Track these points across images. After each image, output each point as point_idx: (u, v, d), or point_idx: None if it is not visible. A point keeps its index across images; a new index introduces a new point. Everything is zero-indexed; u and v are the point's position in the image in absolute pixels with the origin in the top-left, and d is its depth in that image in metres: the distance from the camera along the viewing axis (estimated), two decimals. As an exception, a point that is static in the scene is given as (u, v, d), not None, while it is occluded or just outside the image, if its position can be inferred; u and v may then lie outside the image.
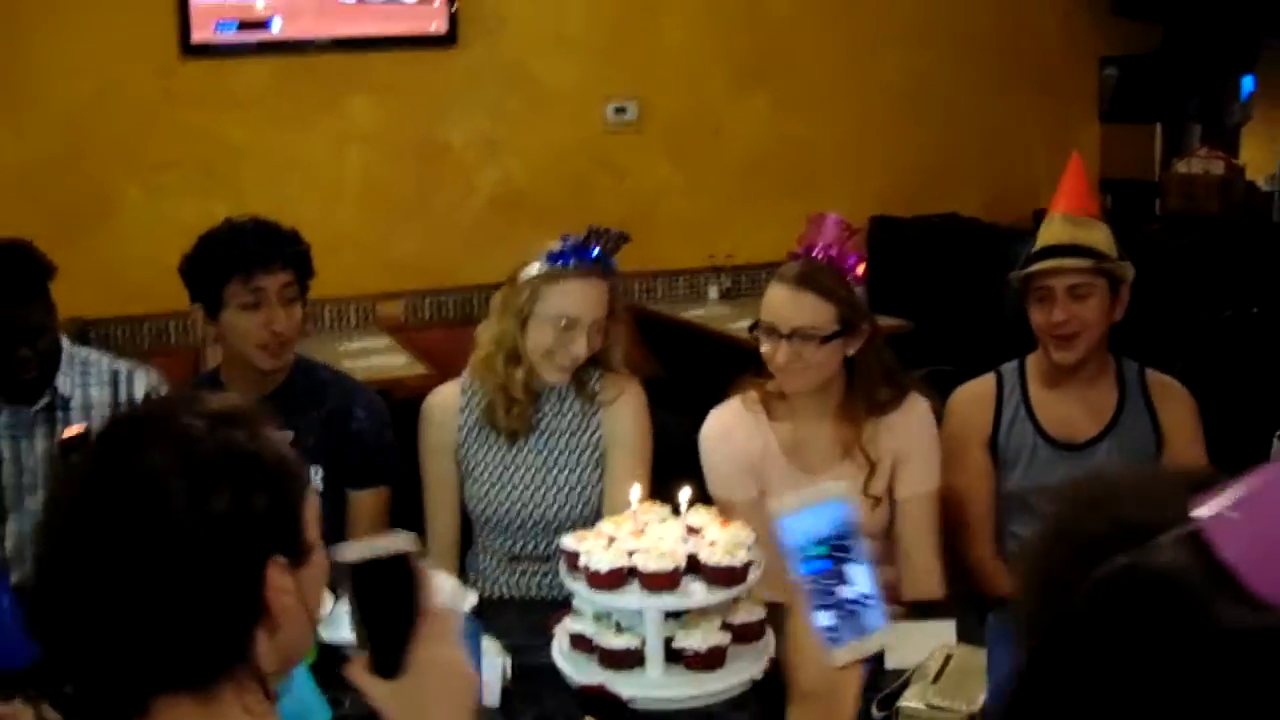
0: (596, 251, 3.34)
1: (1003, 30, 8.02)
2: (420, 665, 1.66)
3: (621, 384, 3.50)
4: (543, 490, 3.39)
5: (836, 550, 1.62)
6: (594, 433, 3.43)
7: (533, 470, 3.40)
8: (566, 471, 3.40)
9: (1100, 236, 3.41)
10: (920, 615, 2.89)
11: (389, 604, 1.67)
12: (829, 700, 1.66)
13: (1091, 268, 3.31)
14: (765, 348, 3.23)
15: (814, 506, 1.64)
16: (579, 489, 3.38)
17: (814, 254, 3.24)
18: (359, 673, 1.68)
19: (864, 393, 3.29)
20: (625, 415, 3.43)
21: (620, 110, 7.30)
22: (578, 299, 3.35)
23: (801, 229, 3.35)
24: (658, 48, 7.34)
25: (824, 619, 1.63)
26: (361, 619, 1.68)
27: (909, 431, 3.31)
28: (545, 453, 3.43)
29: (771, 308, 3.23)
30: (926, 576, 3.26)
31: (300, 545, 1.59)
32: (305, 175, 6.67)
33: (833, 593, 1.62)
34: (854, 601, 1.63)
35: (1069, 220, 3.39)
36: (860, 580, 1.66)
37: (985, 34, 7.96)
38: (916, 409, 3.34)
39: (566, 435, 3.43)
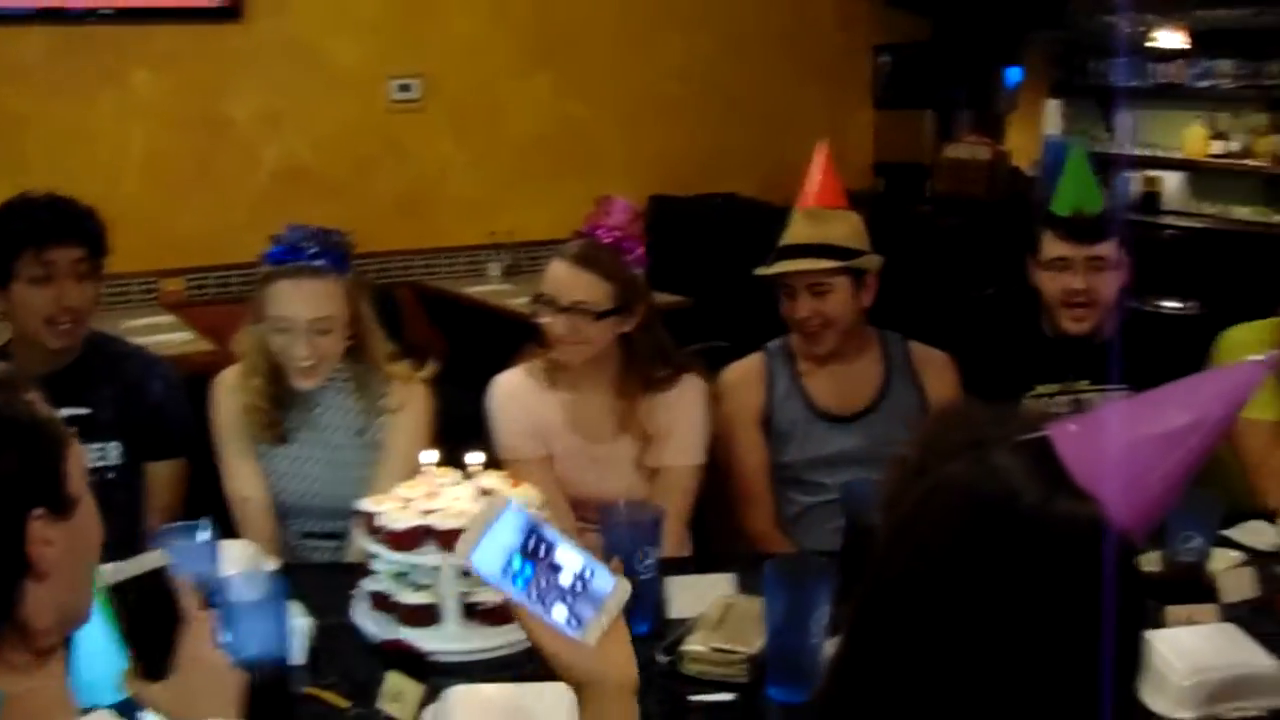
0: (315, 251, 3.22)
1: (780, 18, 8.24)
2: (184, 665, 1.77)
3: (406, 393, 3.42)
4: (325, 482, 3.35)
5: (534, 551, 1.64)
6: (377, 434, 3.38)
7: (317, 464, 3.35)
8: (349, 468, 3.34)
9: (843, 229, 3.50)
10: (697, 570, 2.97)
11: (148, 616, 1.78)
12: (611, 674, 1.68)
13: (829, 269, 3.42)
14: (544, 319, 3.30)
15: (490, 527, 1.64)
16: (365, 482, 3.28)
17: (598, 234, 3.31)
18: (132, 681, 1.78)
19: (639, 369, 3.36)
20: (407, 426, 3.36)
21: (404, 88, 7.31)
22: (290, 301, 3.23)
23: (583, 208, 3.41)
24: (443, 26, 7.37)
25: (559, 613, 1.64)
26: (126, 632, 1.77)
27: (678, 407, 3.40)
28: (329, 448, 3.37)
29: (552, 282, 3.29)
30: (672, 539, 3.31)
31: (63, 498, 1.60)
32: (87, 148, 6.53)
33: (555, 587, 1.64)
34: (576, 581, 1.65)
35: (811, 216, 3.49)
36: (569, 561, 1.66)
37: (763, 21, 8.17)
38: (690, 387, 3.42)
39: (350, 433, 3.37)
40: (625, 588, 1.68)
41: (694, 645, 2.54)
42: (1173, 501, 1.31)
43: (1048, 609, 1.26)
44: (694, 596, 2.77)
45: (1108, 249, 3.56)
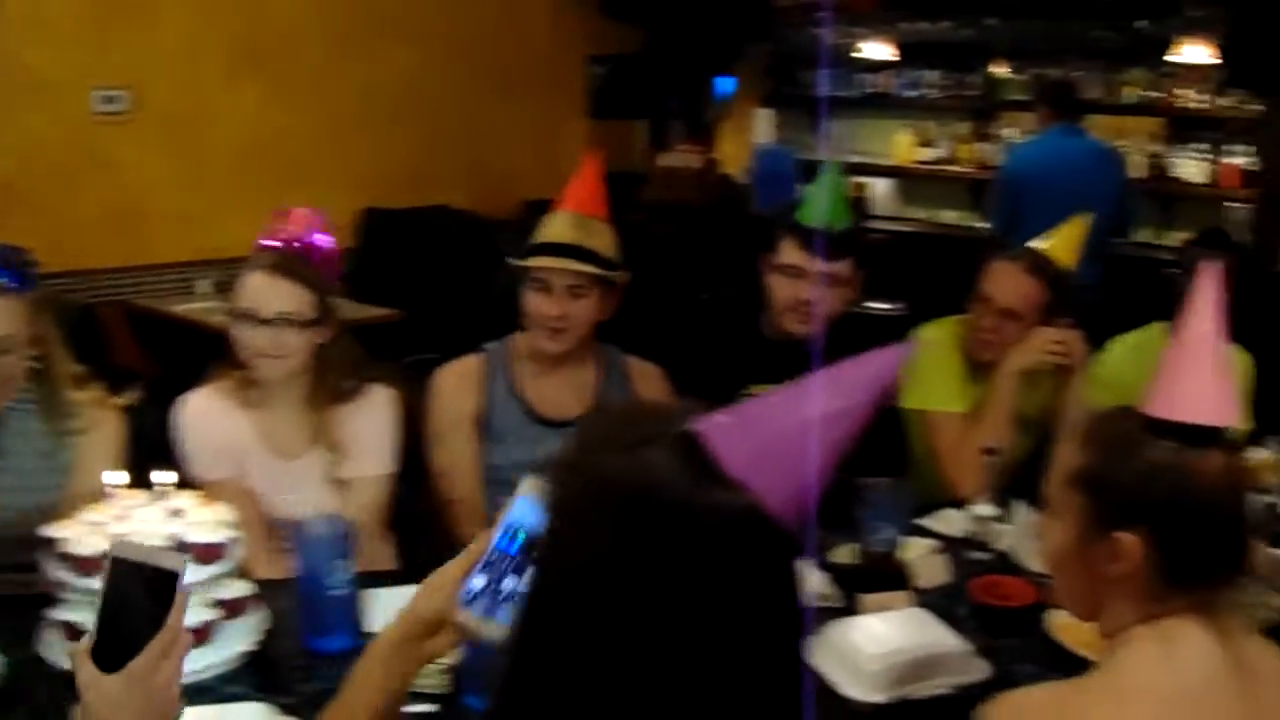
0: None
1: (493, 29, 8.24)
2: (135, 674, 1.67)
3: (95, 415, 3.26)
4: (13, 510, 3.21)
5: (529, 546, 1.63)
6: (66, 458, 3.23)
7: (3, 492, 3.22)
8: (37, 494, 3.21)
9: (606, 240, 3.50)
10: (399, 581, 2.93)
11: (137, 608, 1.69)
12: (427, 631, 1.75)
13: (592, 273, 3.43)
14: (244, 334, 3.22)
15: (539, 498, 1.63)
16: (55, 508, 3.14)
17: (286, 243, 3.26)
18: (81, 652, 1.69)
19: (330, 381, 3.32)
20: (97, 449, 3.22)
21: (109, 99, 7.09)
22: None
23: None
24: (150, 35, 7.16)
25: (478, 582, 1.67)
26: (106, 607, 1.70)
27: (365, 417, 3.36)
28: (16, 474, 3.23)
29: (251, 294, 3.21)
30: (372, 551, 3.27)
31: None
32: None
33: (502, 573, 1.65)
34: (510, 594, 1.65)
35: (576, 220, 3.46)
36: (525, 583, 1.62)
37: (476, 32, 8.16)
38: (377, 398, 3.39)
39: (37, 457, 3.23)
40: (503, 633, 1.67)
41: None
42: (823, 487, 1.32)
43: (704, 600, 1.27)
44: (395, 609, 2.72)
45: (844, 267, 3.65)
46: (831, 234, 3.60)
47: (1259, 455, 4.16)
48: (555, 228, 3.47)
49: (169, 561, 1.72)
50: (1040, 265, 3.82)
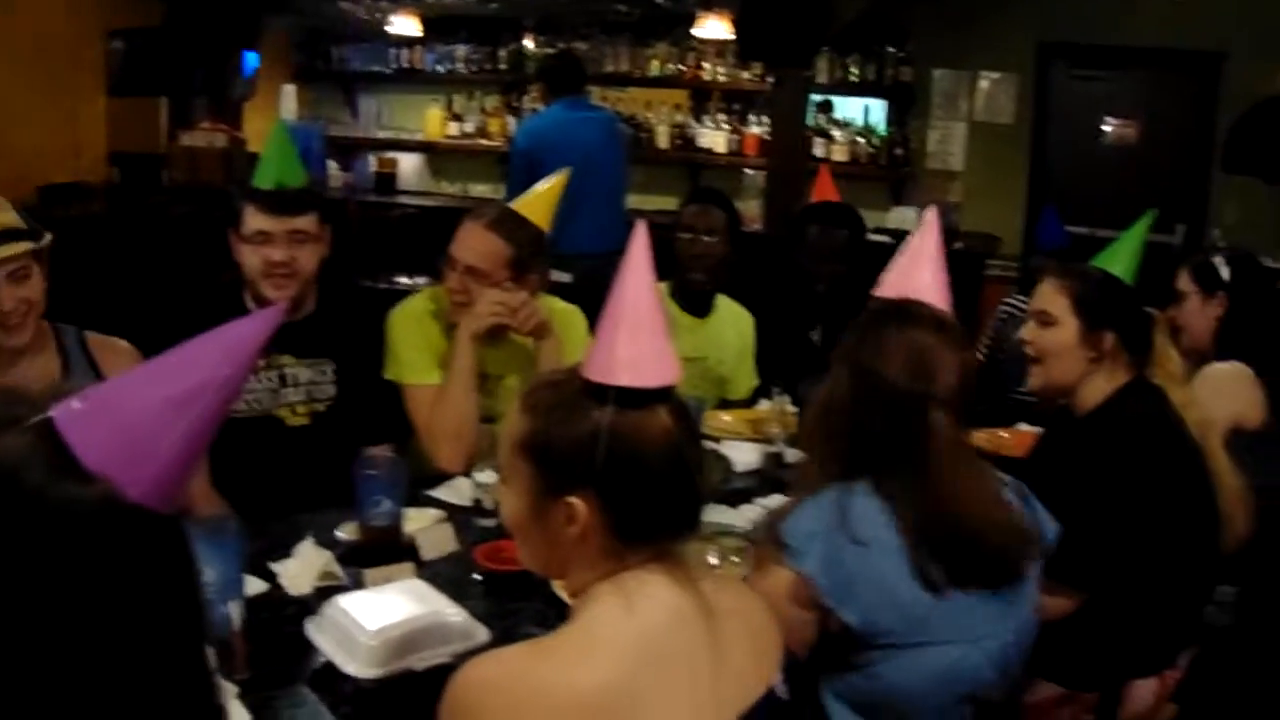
0: None
1: (2, 1, 7.78)
2: None
3: None
4: None
5: None
6: None
7: None
8: None
9: (9, 212, 3.13)
10: None
11: None
12: None
13: (28, 251, 3.20)
14: None
15: None
16: None
17: None
18: None
19: None
20: None
21: None
22: None
23: None
24: None
25: None
26: None
27: None
28: None
29: None
30: None
31: None
32: None
33: None
34: None
35: None
36: None
37: (-16, 4, 7.70)
38: None
39: None
40: None
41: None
42: (193, 466, 1.29)
43: (74, 597, 1.20)
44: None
45: (309, 222, 3.59)
46: (288, 193, 3.56)
47: (764, 407, 4.35)
48: None
49: None
50: (502, 222, 3.83)
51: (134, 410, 1.25)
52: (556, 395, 1.91)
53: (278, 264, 3.54)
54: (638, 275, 1.94)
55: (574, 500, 1.84)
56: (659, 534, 1.90)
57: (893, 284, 2.65)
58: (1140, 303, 3.27)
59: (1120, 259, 3.26)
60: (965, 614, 2.39)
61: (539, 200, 3.93)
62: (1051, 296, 3.25)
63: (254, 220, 3.55)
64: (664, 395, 1.89)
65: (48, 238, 3.18)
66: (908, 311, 2.52)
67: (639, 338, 1.89)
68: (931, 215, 2.75)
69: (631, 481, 1.85)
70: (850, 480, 2.44)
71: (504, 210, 3.88)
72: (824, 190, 5.36)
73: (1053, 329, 3.23)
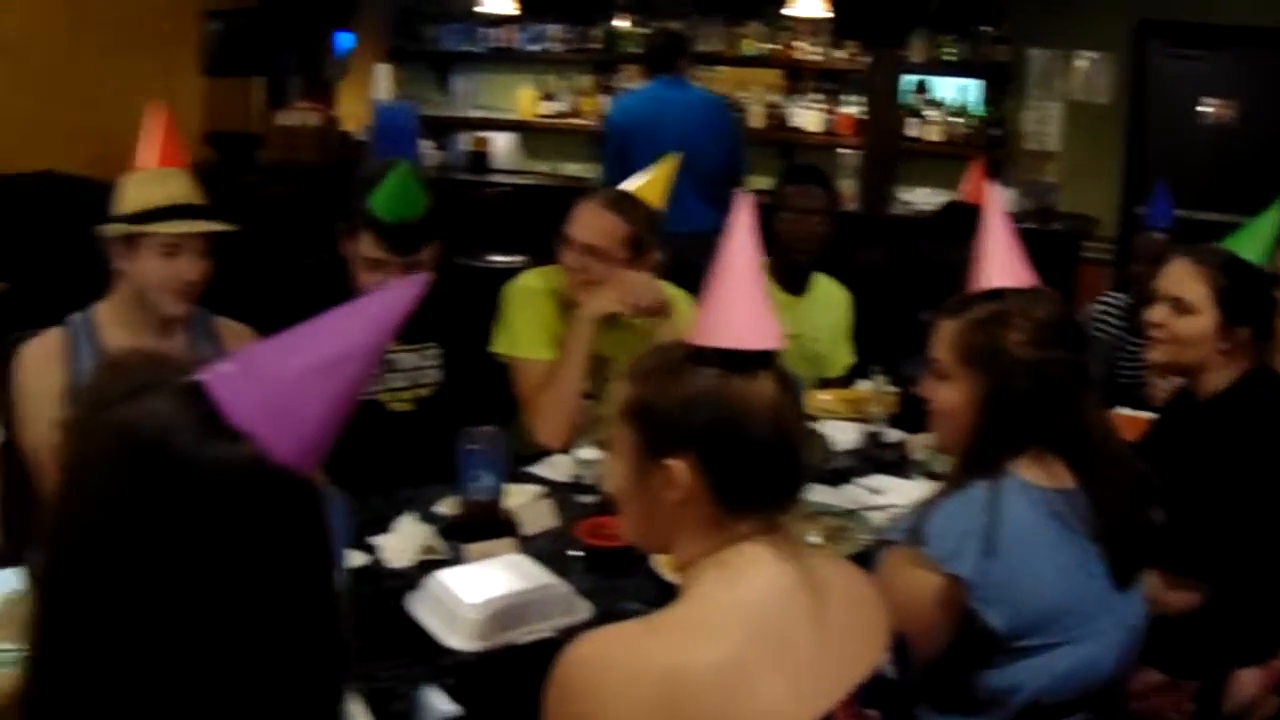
0: None
1: (102, -16, 7.87)
2: None
3: None
4: None
5: None
6: None
7: None
8: None
9: (200, 191, 3.34)
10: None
11: None
12: None
13: (220, 230, 3.25)
14: None
15: None
16: None
17: None
18: None
19: None
20: None
21: None
22: None
23: None
24: None
25: None
26: None
27: None
28: None
29: None
30: None
31: None
32: None
33: None
34: None
35: (169, 177, 3.28)
36: None
37: (84, -12, 7.79)
38: None
39: None
40: None
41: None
42: (334, 431, 1.31)
43: (221, 554, 1.23)
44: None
45: (426, 252, 3.58)
46: (408, 226, 3.53)
47: (864, 387, 4.32)
48: (164, 189, 3.29)
49: None
50: (619, 202, 3.86)
51: (281, 374, 1.28)
52: (660, 360, 1.93)
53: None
54: (742, 243, 1.94)
55: (674, 463, 1.84)
56: (760, 502, 1.89)
57: (997, 273, 2.57)
58: (1272, 292, 3.20)
59: (1254, 244, 3.16)
60: (1102, 610, 2.36)
61: (653, 182, 3.95)
62: (1189, 283, 3.14)
63: (371, 249, 3.54)
64: (766, 360, 1.89)
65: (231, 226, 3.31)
66: (1034, 295, 2.48)
67: (741, 302, 1.90)
68: (994, 194, 2.69)
69: (732, 445, 1.85)
70: (998, 476, 2.39)
71: (620, 192, 3.90)
72: (975, 190, 5.16)
73: (1189, 317, 3.13)
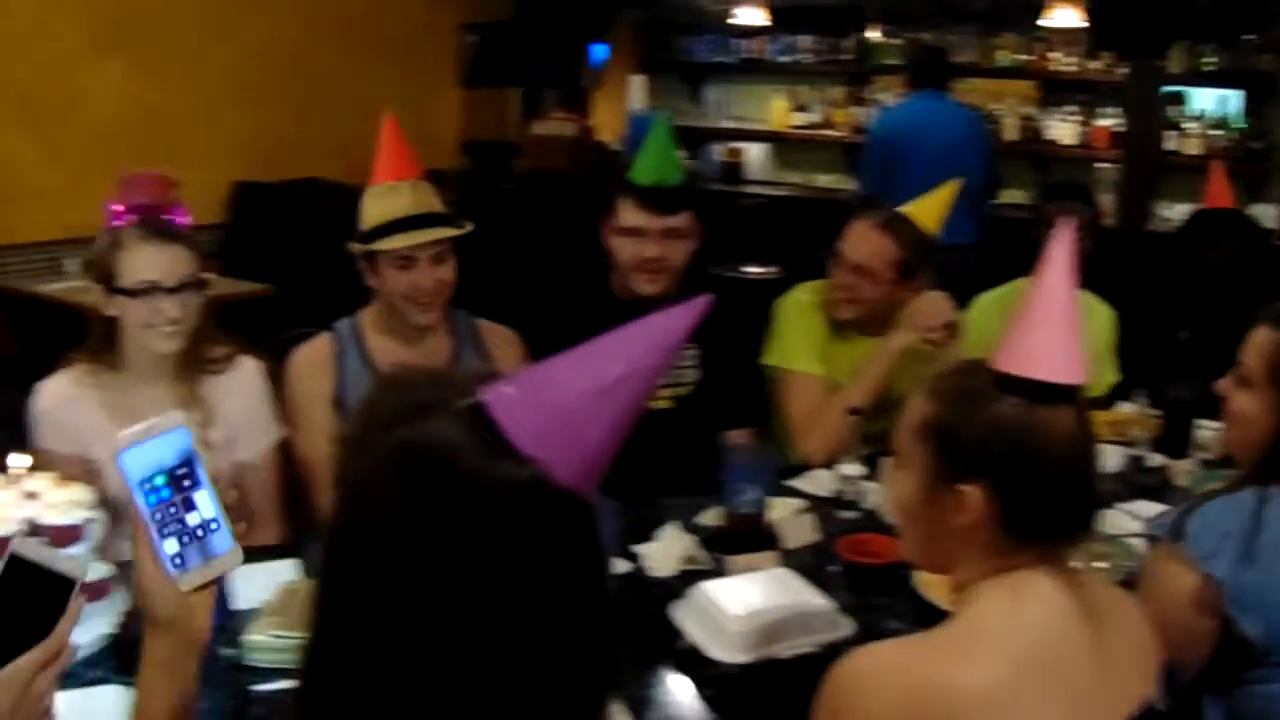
0: None
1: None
2: (10, 677, 1.54)
3: None
4: None
5: (180, 478, 1.61)
6: None
7: None
8: None
9: (438, 198, 3.44)
10: (263, 558, 2.88)
11: (25, 610, 1.58)
12: (183, 625, 1.66)
13: (452, 236, 3.35)
14: (139, 310, 3.09)
15: (155, 437, 1.61)
16: None
17: (144, 211, 3.14)
18: None
19: (202, 349, 3.24)
20: None
21: (-37, 78, 6.88)
22: None
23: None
24: (3, 7, 6.96)
25: (170, 546, 1.60)
26: None
27: (240, 394, 3.30)
28: None
29: (146, 267, 3.06)
30: (265, 529, 3.27)
31: None
32: None
33: (179, 520, 1.61)
34: (200, 527, 1.62)
35: (404, 189, 3.36)
36: (204, 507, 1.63)
37: (347, 2, 8.04)
38: (246, 367, 3.32)
39: None
40: (238, 556, 1.65)
41: (254, 634, 2.48)
42: (613, 453, 1.31)
43: (501, 574, 1.26)
44: (258, 585, 2.67)
45: (684, 219, 3.64)
46: (666, 189, 3.60)
47: (1125, 409, 4.22)
48: (385, 204, 3.38)
49: (68, 567, 1.62)
50: (893, 224, 3.83)
51: (563, 396, 1.28)
52: (965, 382, 1.91)
53: (650, 259, 3.60)
54: (1059, 271, 1.91)
55: (968, 489, 1.83)
56: (1049, 534, 1.87)
57: None
58: None
59: None
60: None
61: (930, 205, 3.93)
62: None
63: (630, 215, 3.62)
64: (1071, 394, 1.86)
65: (468, 226, 3.35)
66: None
67: (1054, 333, 1.87)
68: None
69: (1028, 477, 1.82)
70: (1269, 484, 2.33)
71: (894, 213, 3.88)
72: (1218, 194, 5.03)
73: None
